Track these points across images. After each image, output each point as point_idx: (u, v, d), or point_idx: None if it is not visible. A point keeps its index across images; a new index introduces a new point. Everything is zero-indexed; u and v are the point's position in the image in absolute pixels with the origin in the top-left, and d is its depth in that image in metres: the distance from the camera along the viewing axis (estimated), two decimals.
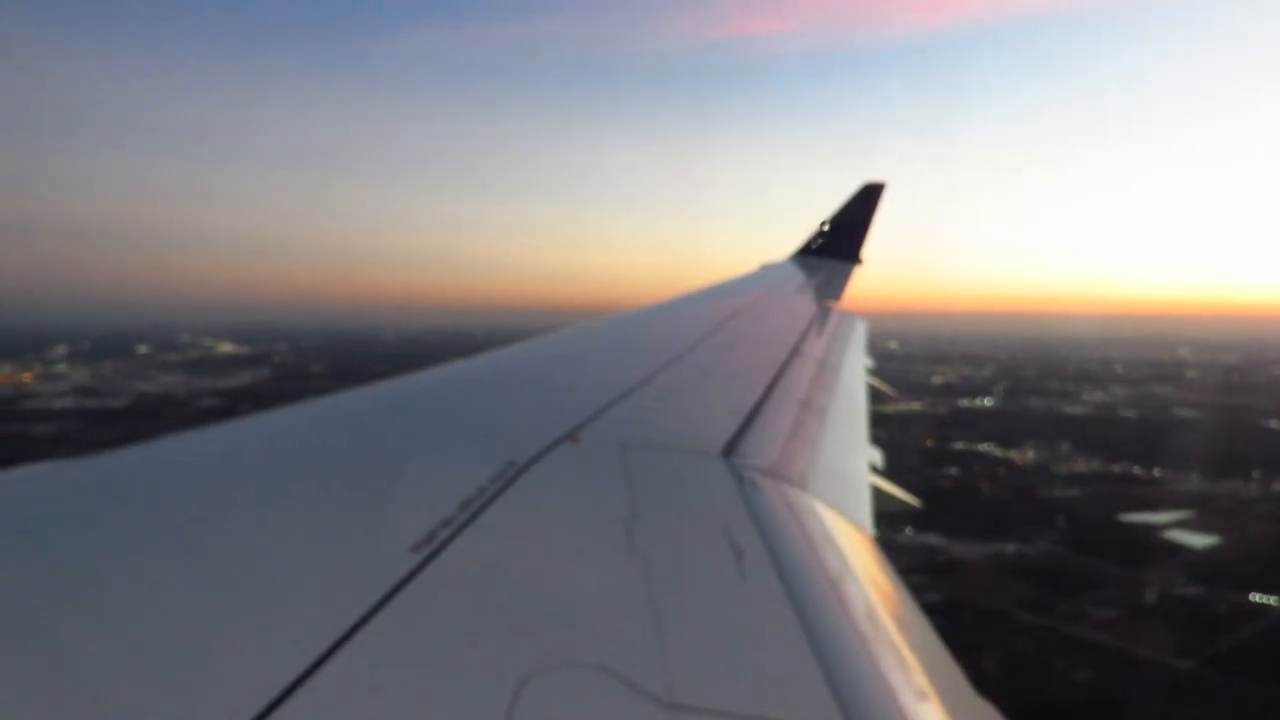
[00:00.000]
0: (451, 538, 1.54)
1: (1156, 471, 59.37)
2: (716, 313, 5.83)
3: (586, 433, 2.44)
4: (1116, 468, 60.59)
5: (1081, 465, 61.73)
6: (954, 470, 60.28)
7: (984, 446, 67.47)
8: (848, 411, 4.30)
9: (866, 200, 10.48)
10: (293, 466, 2.00)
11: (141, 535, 1.50)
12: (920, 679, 1.49)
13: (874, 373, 6.22)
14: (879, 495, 3.31)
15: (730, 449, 2.63)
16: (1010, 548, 43.27)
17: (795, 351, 4.84)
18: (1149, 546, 43.14)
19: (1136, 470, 60.12)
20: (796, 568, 1.74)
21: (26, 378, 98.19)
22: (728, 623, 1.46)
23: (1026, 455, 65.05)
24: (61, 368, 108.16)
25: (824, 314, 6.96)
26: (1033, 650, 31.41)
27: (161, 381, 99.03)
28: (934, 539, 44.50)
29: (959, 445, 68.31)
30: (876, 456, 3.88)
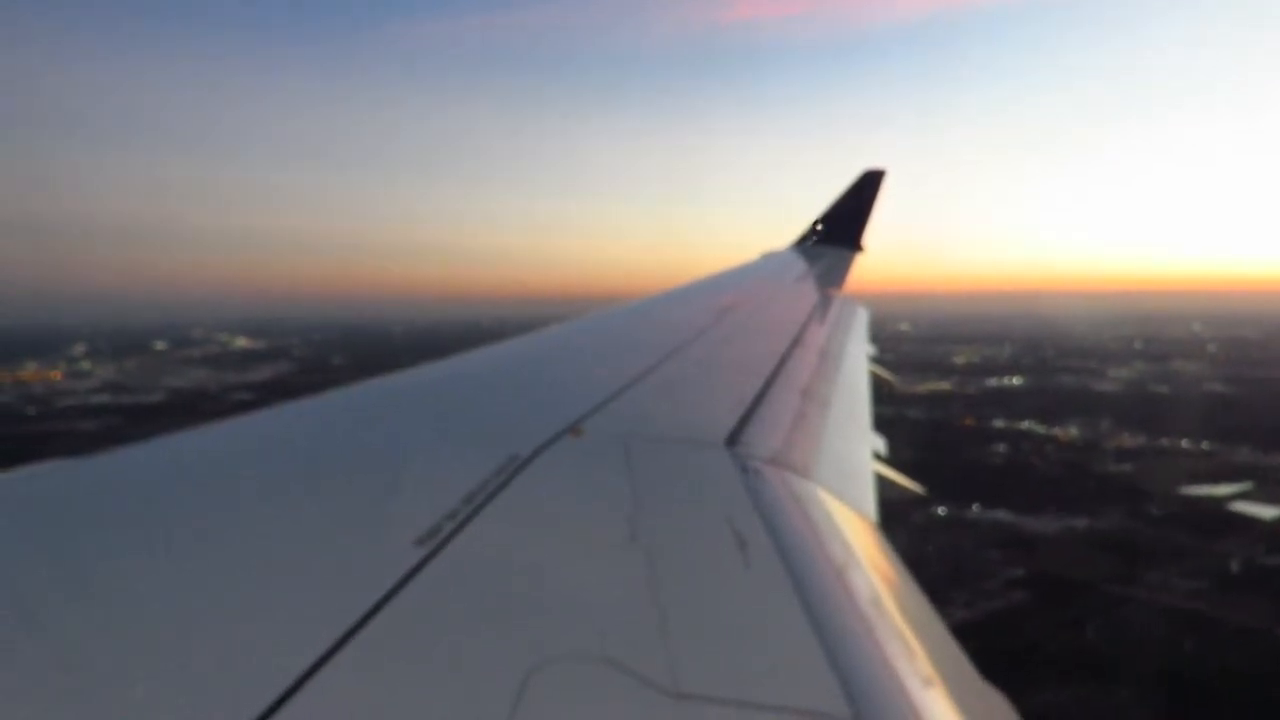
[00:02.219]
0: (455, 531, 1.55)
1: (1205, 445, 59.61)
2: (718, 302, 5.81)
3: (589, 425, 2.43)
4: (1164, 442, 60.81)
5: (1128, 440, 61.94)
6: (1002, 448, 60.51)
7: (1025, 424, 67.68)
8: (850, 399, 4.28)
9: (867, 187, 10.50)
10: (295, 462, 2.00)
11: (146, 532, 1.50)
12: (926, 666, 1.49)
13: (879, 359, 6.25)
14: (883, 482, 3.30)
15: (733, 439, 2.61)
16: (1081, 522, 43.52)
17: (797, 340, 4.79)
18: (1218, 518, 43.38)
19: (1185, 444, 60.34)
20: (801, 556, 1.73)
21: (55, 375, 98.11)
22: (733, 612, 1.46)
23: (1070, 432, 65.24)
24: (86, 365, 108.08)
25: (826, 302, 6.93)
26: (1132, 621, 31.68)
27: (189, 377, 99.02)
28: (1002, 515, 44.80)
29: (999, 423, 68.47)
30: (880, 444, 3.87)
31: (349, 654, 1.12)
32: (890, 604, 1.71)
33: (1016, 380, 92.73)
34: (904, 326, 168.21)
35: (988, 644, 29.88)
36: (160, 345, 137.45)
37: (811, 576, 1.63)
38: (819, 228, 10.35)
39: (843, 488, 2.69)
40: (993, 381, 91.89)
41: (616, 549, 1.62)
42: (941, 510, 45.58)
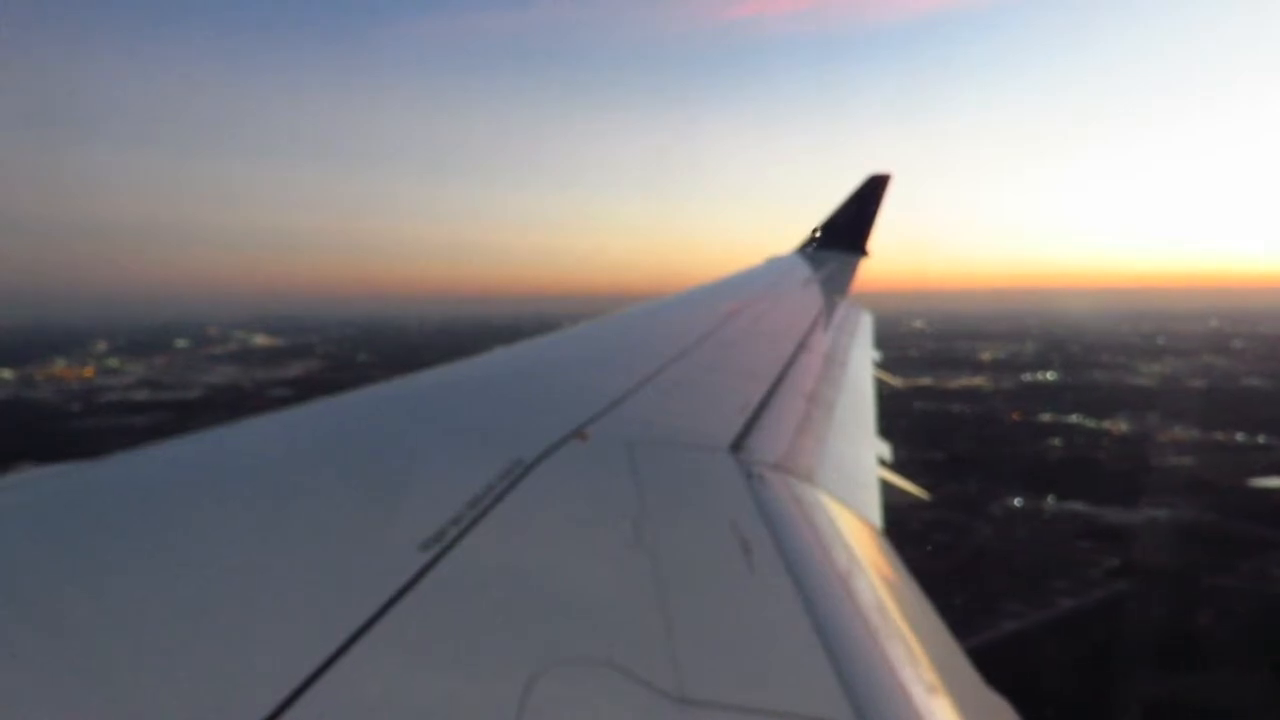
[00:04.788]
0: (460, 536, 1.55)
1: (1261, 438, 59.78)
2: (722, 308, 5.85)
3: (594, 429, 2.44)
4: (1218, 436, 60.87)
5: (1181, 434, 62.03)
6: (1057, 441, 60.67)
7: (1073, 418, 67.80)
8: (855, 405, 4.32)
9: (871, 192, 10.55)
10: (300, 466, 2.01)
11: (151, 536, 1.51)
12: (930, 672, 1.50)
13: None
14: (888, 488, 3.32)
15: (738, 444, 2.62)
16: (1161, 513, 43.62)
17: (802, 345, 4.83)
18: None
19: (1239, 438, 60.50)
20: (805, 562, 1.74)
21: (88, 372, 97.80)
22: (737, 617, 1.47)
23: (1120, 426, 65.38)
24: (114, 362, 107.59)
25: (830, 307, 6.96)
26: (1244, 610, 31.76)
27: (220, 373, 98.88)
28: (1079, 506, 44.88)
29: (1046, 418, 68.59)
30: (885, 449, 3.88)
31: (353, 658, 1.12)
32: (894, 610, 1.72)
33: (1050, 376, 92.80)
34: (918, 324, 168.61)
35: (1103, 631, 30.01)
36: (182, 342, 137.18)
37: (816, 582, 1.64)
38: (824, 232, 10.41)
39: (847, 493, 2.70)
40: (1027, 377, 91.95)
41: (621, 554, 1.62)
42: (1018, 501, 45.72)
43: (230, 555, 1.43)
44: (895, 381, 6.34)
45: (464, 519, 1.62)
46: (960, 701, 1.45)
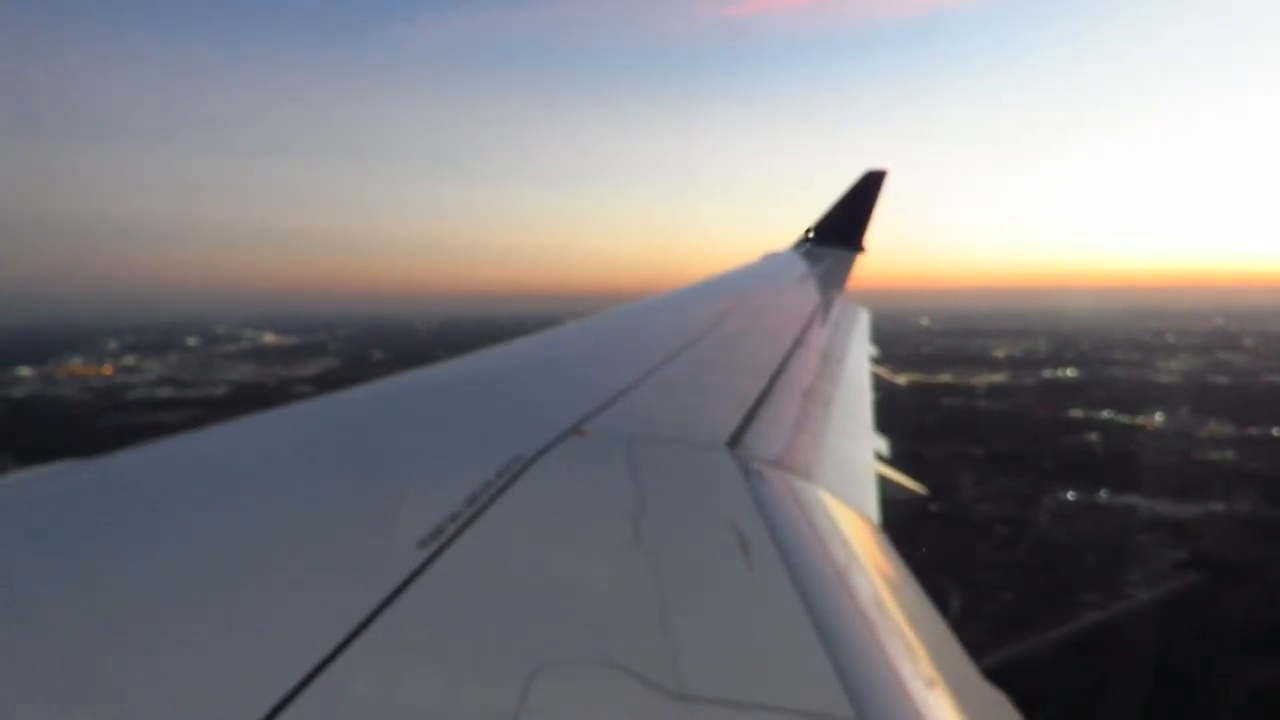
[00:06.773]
0: (458, 533, 1.56)
1: None
2: (719, 304, 5.91)
3: (592, 425, 2.45)
4: (1253, 430, 61.26)
5: (1217, 429, 62.35)
6: (1094, 436, 60.92)
7: (1105, 414, 68.03)
8: (853, 401, 4.35)
9: (868, 188, 10.56)
10: (299, 464, 2.03)
11: (150, 533, 1.53)
12: (928, 667, 1.52)
13: (881, 360, 6.34)
14: (885, 483, 3.35)
15: (735, 440, 2.63)
16: (1217, 506, 43.90)
17: (799, 342, 4.85)
18: None
19: (1275, 433, 60.92)
20: (803, 558, 1.75)
21: (108, 370, 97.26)
22: (735, 614, 1.48)
23: (1154, 420, 65.71)
24: (131, 360, 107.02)
25: (827, 303, 7.01)
26: None
27: (239, 371, 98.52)
28: (1133, 500, 45.12)
29: (1077, 413, 68.80)
30: (882, 445, 3.91)
31: (351, 656, 1.12)
32: (892, 605, 1.74)
33: (1070, 372, 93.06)
34: (924, 321, 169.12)
35: (1184, 621, 30.19)
36: (192, 341, 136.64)
37: (814, 578, 1.65)
38: (820, 228, 10.43)
39: (845, 489, 2.71)
40: (1047, 373, 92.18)
41: (619, 551, 1.63)
42: (1070, 495, 45.95)
43: (228, 552, 1.43)
44: (894, 378, 6.36)
45: (462, 516, 1.63)
46: (958, 695, 1.46)
